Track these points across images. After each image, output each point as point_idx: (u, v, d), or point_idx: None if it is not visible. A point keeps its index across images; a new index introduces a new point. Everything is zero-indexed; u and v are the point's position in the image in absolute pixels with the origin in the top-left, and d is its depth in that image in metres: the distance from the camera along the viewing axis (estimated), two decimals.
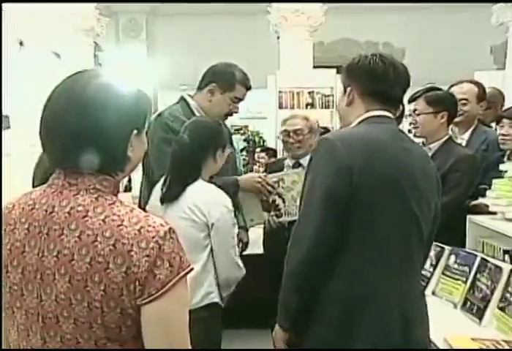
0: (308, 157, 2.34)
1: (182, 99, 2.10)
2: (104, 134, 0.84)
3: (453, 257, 1.86)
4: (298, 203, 2.04)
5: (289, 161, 2.41)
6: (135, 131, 0.88)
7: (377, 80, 1.28)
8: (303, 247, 1.18)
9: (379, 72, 1.28)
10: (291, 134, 2.32)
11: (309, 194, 1.21)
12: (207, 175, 1.74)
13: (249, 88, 2.09)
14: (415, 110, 2.14)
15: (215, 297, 1.68)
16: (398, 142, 1.27)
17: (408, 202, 1.22)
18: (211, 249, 1.67)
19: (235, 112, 2.11)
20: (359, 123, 1.30)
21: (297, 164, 2.35)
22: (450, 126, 2.44)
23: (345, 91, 1.34)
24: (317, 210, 1.17)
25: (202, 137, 1.71)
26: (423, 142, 2.18)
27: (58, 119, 0.84)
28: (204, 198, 1.66)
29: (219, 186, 1.71)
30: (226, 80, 2.03)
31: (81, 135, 0.83)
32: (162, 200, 1.70)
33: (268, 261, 2.43)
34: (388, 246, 1.20)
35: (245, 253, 2.23)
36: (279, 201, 2.08)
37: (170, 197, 1.69)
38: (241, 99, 2.09)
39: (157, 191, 1.78)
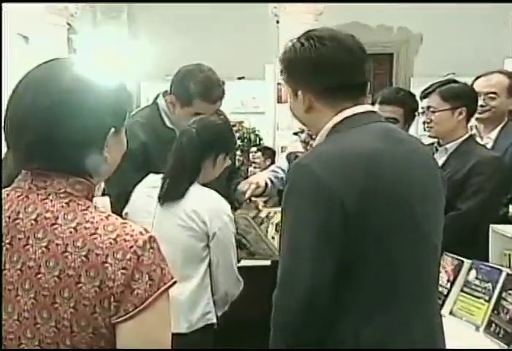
0: None
1: (155, 101, 2.07)
2: (78, 131, 0.84)
3: (473, 272, 1.86)
4: (262, 245, 2.05)
5: None
6: (113, 130, 0.88)
7: (329, 71, 1.13)
8: (298, 295, 1.06)
9: (327, 59, 1.13)
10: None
11: (293, 238, 1.08)
12: (202, 180, 1.75)
13: (215, 101, 1.98)
14: (428, 107, 2.12)
15: (212, 318, 1.69)
16: (393, 145, 1.13)
17: (418, 220, 1.13)
18: (209, 262, 1.68)
19: None
20: (333, 128, 1.15)
21: None
22: (475, 124, 2.45)
23: (295, 95, 1.18)
24: (309, 254, 1.05)
25: (210, 135, 1.73)
26: (438, 142, 2.18)
27: (24, 113, 0.84)
28: (204, 204, 1.67)
29: None
30: (181, 95, 1.97)
31: (51, 132, 0.83)
32: (161, 201, 1.70)
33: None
34: (402, 280, 1.12)
35: (249, 264, 2.26)
36: (245, 241, 2.09)
37: (172, 196, 1.68)
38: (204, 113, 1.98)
39: (139, 193, 1.78)
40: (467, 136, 2.14)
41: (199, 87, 1.95)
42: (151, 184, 1.76)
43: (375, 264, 1.09)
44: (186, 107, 1.98)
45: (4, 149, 1.45)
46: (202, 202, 1.67)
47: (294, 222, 1.09)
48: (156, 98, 2.09)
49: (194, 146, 1.71)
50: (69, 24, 6.04)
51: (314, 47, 1.13)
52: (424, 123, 2.17)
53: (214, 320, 1.70)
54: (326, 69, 1.13)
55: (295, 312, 1.07)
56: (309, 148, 2.36)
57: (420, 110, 2.24)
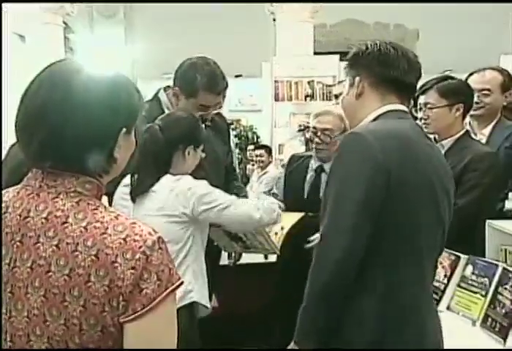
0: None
1: (156, 95, 2.10)
2: (90, 130, 0.85)
3: (470, 267, 1.88)
4: (259, 239, 2.08)
5: (313, 163, 2.39)
6: (124, 130, 0.90)
7: (390, 66, 1.32)
8: (338, 250, 1.18)
9: (391, 57, 1.32)
10: (319, 133, 2.29)
11: (341, 193, 1.21)
12: (176, 172, 1.78)
13: (219, 93, 2.02)
14: (426, 104, 2.14)
15: (193, 297, 1.73)
16: (423, 139, 1.32)
17: (439, 207, 1.28)
18: (185, 243, 1.73)
19: (207, 119, 2.08)
20: (376, 118, 1.32)
21: (319, 169, 2.32)
22: (469, 120, 2.47)
23: (351, 85, 1.36)
24: (352, 214, 1.18)
25: (174, 128, 1.78)
26: (434, 139, 2.20)
27: (40, 106, 0.85)
28: (176, 189, 1.72)
29: None
30: (187, 86, 1.99)
31: (63, 130, 0.84)
32: (133, 197, 1.76)
33: (282, 266, 2.44)
34: (421, 256, 1.26)
35: (255, 261, 2.29)
36: (240, 235, 2.12)
37: (139, 189, 1.75)
38: (209, 107, 2.02)
39: (119, 192, 1.83)
40: (463, 132, 2.15)
41: (204, 79, 1.97)
42: (127, 183, 1.82)
43: (401, 240, 1.22)
44: (191, 98, 2.00)
45: (4, 150, 1.47)
46: (174, 187, 1.72)
47: (344, 179, 1.22)
48: (157, 93, 2.11)
49: (158, 142, 1.76)
50: (65, 23, 6.04)
51: (385, 47, 1.34)
52: (421, 119, 2.18)
53: (195, 298, 1.73)
54: (388, 63, 1.32)
55: (336, 262, 1.18)
56: (314, 145, 2.34)
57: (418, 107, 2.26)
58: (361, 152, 1.20)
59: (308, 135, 2.35)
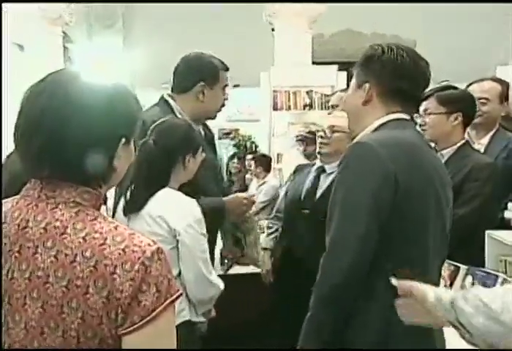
0: (334, 165, 2.33)
1: (162, 99, 2.11)
2: (88, 137, 0.85)
3: (469, 278, 1.88)
4: (257, 249, 2.09)
5: (316, 165, 2.40)
6: (123, 140, 0.90)
7: (401, 77, 1.31)
8: (346, 256, 1.20)
9: (404, 67, 1.31)
10: (326, 130, 2.30)
11: (349, 200, 1.23)
12: (176, 183, 1.76)
13: (228, 69, 2.14)
14: (425, 110, 2.16)
15: (187, 315, 1.71)
16: (425, 146, 1.35)
17: (443, 213, 1.30)
18: (179, 264, 1.69)
19: (226, 99, 2.16)
20: (379, 126, 1.33)
21: (320, 169, 2.33)
22: (467, 130, 2.48)
23: (359, 87, 1.35)
24: (361, 218, 1.20)
25: (169, 140, 1.74)
26: (435, 148, 2.21)
27: (36, 120, 0.85)
28: (168, 207, 1.68)
29: (206, 209, 1.73)
30: (211, 74, 2.07)
31: (61, 136, 0.84)
32: (125, 211, 1.72)
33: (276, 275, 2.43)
34: (426, 260, 1.28)
35: (242, 271, 2.29)
36: (243, 241, 2.12)
37: (132, 207, 1.71)
38: (227, 85, 2.14)
39: (121, 205, 1.80)
40: (463, 142, 2.16)
41: (216, 59, 2.10)
42: None
43: (407, 246, 1.23)
44: (216, 83, 2.07)
45: (4, 153, 1.46)
46: (167, 205, 1.68)
47: (352, 185, 1.23)
48: (162, 98, 2.11)
49: (156, 157, 1.70)
50: (64, 33, 6.06)
51: (400, 55, 1.31)
52: (420, 125, 2.20)
53: (188, 317, 1.71)
54: (400, 74, 1.31)
55: (343, 270, 1.19)
56: (319, 140, 2.33)
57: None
58: (369, 160, 1.22)
59: (317, 135, 2.37)
